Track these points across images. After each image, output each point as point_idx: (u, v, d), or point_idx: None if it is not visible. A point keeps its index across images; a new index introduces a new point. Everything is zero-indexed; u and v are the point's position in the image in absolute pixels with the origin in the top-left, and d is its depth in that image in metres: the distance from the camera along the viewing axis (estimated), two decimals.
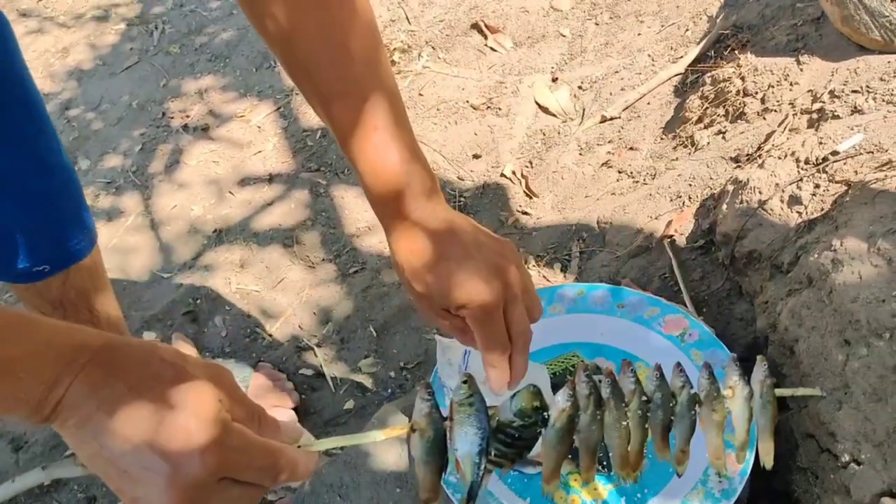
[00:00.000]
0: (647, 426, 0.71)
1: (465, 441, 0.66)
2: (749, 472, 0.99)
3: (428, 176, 0.80)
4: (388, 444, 1.16)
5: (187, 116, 2.12)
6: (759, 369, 0.75)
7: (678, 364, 0.75)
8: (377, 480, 1.13)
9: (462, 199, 1.69)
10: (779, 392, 0.75)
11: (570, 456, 1.05)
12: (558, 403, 0.69)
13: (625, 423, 0.70)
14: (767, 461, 0.79)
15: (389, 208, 0.80)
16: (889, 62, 1.28)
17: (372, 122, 0.76)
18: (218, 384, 0.60)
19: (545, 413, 0.69)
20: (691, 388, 0.73)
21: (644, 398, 0.71)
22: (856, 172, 1.20)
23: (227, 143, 2.01)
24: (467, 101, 1.85)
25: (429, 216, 0.79)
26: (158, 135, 2.10)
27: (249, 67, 2.22)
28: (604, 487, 1.03)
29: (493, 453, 0.69)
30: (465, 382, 0.68)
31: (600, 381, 0.73)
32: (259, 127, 2.03)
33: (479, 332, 0.76)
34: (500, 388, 0.76)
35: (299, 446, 0.66)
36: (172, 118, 2.13)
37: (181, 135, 2.07)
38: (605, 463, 1.03)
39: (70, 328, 0.58)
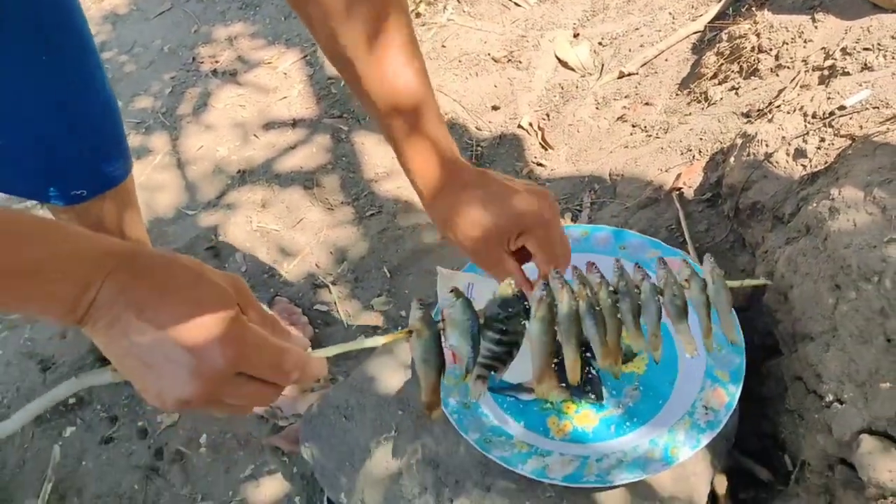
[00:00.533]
0: (619, 316, 0.76)
1: (456, 334, 0.71)
2: (734, 405, 1.04)
3: (464, 166, 0.88)
4: (392, 370, 1.22)
5: (216, 62, 2.18)
6: (707, 262, 0.83)
7: (636, 263, 0.81)
8: (381, 403, 1.19)
9: (479, 148, 1.73)
10: (728, 283, 0.82)
11: (563, 384, 1.10)
12: (535, 295, 0.73)
13: (598, 308, 0.75)
14: (732, 337, 0.86)
15: (439, 201, 0.87)
16: None
17: (417, 129, 0.85)
18: (234, 289, 0.65)
19: (526, 303, 0.73)
20: (650, 278, 0.79)
21: (611, 289, 0.77)
22: (861, 127, 1.22)
23: (254, 88, 2.06)
24: (489, 54, 1.88)
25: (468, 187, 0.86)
26: (188, 78, 2.16)
27: (278, 16, 2.26)
28: (595, 415, 1.08)
29: (485, 355, 0.74)
30: (451, 292, 0.73)
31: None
32: (285, 74, 2.08)
33: (541, 244, 0.85)
34: None
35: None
36: (202, 63, 2.19)
37: (210, 79, 2.13)
38: (595, 392, 1.08)
39: (96, 235, 0.62)
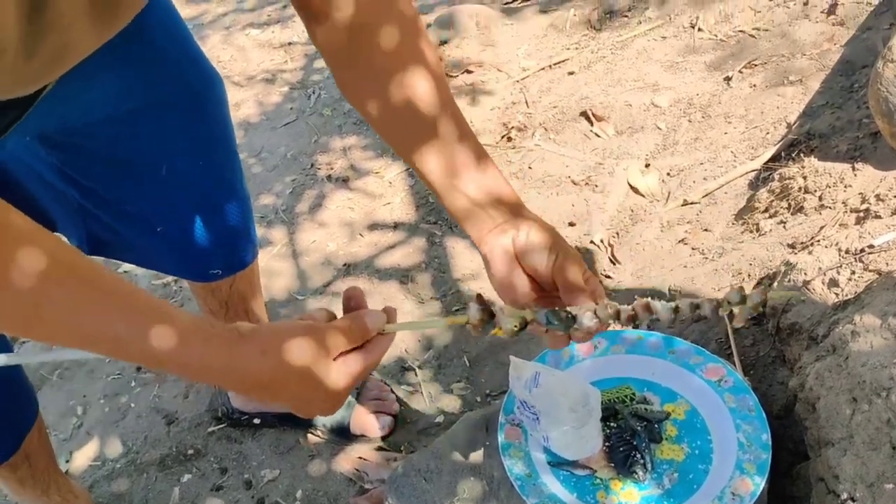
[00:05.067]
0: None
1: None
2: (759, 494, 1.20)
3: (508, 191, 0.96)
4: (469, 441, 1.43)
5: (331, 168, 2.51)
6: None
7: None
8: (456, 469, 1.40)
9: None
10: (771, 294, 0.97)
11: (611, 463, 1.30)
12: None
13: None
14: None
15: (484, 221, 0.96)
16: None
17: (459, 166, 0.95)
18: (317, 340, 0.81)
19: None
20: None
21: None
22: (887, 264, 1.41)
23: (363, 194, 2.37)
24: (569, 177, 2.14)
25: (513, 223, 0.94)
26: (306, 181, 2.49)
27: None
28: (638, 493, 1.26)
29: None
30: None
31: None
32: (390, 182, 2.38)
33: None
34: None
35: (383, 332, 0.88)
36: (319, 169, 2.52)
37: (325, 183, 2.45)
38: (640, 471, 1.27)
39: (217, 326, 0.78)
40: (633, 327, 0.94)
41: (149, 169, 1.25)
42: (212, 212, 1.36)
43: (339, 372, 0.82)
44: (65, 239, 1.32)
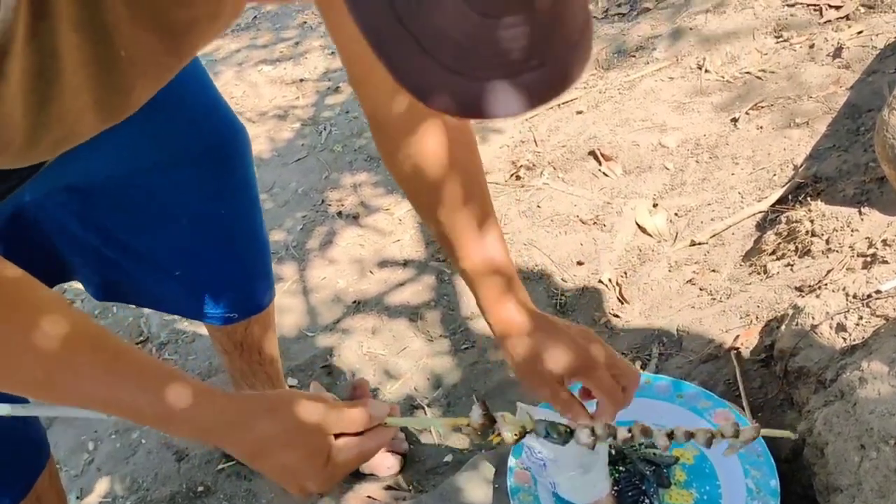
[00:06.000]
0: None
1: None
2: None
3: (531, 315, 1.09)
4: (475, 484, 1.43)
5: (342, 205, 2.53)
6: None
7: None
8: None
9: (563, 297, 1.98)
10: (764, 432, 1.05)
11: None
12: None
13: None
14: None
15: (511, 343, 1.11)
16: None
17: (504, 291, 1.10)
18: (323, 421, 0.86)
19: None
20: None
21: None
22: (894, 310, 1.42)
23: (373, 231, 2.39)
24: (577, 216, 2.16)
25: (524, 324, 1.08)
26: (317, 218, 2.51)
27: None
28: None
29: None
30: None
31: None
32: (400, 220, 2.41)
33: (593, 386, 1.08)
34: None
35: (385, 423, 0.92)
36: (330, 205, 2.55)
37: (335, 220, 2.48)
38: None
39: (209, 394, 0.83)
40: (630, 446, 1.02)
41: (167, 219, 1.28)
42: (231, 258, 1.39)
43: (339, 448, 0.86)
44: (80, 285, 1.35)
